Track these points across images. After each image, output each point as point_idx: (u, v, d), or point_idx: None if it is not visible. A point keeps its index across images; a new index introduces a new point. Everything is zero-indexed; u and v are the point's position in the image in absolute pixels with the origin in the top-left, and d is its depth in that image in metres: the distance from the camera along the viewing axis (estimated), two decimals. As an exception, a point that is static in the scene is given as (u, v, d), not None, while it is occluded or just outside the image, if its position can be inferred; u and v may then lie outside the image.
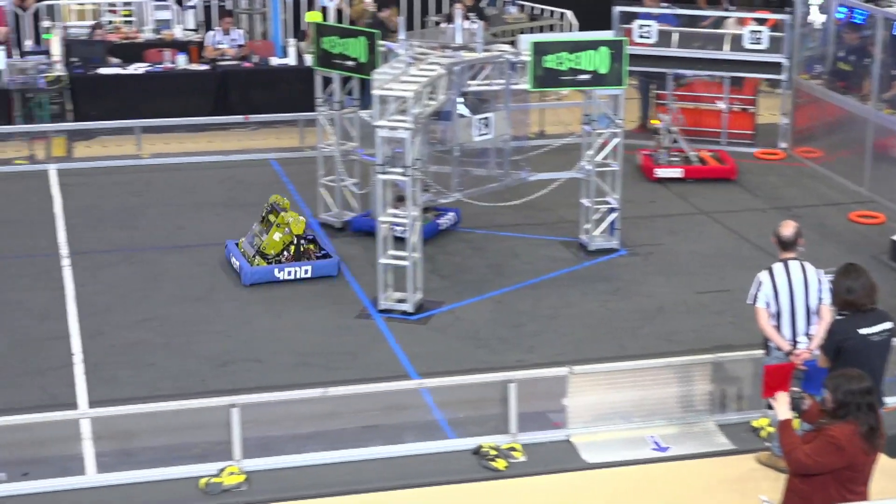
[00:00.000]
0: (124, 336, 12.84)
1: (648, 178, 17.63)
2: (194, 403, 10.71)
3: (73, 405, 11.43)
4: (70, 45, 20.48)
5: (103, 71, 20.07)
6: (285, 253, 14.19)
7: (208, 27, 22.15)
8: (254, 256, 14.17)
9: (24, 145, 19.07)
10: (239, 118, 19.77)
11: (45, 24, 21.70)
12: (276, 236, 14.12)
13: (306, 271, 14.18)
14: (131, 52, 20.95)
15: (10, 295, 13.76)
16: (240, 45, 20.96)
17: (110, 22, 22.27)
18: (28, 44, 21.48)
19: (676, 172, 17.60)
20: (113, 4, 23.05)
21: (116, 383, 11.88)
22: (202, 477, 10.22)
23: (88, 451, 10.58)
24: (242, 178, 17.85)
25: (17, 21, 21.92)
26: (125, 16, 22.69)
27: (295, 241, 14.23)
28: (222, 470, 10.28)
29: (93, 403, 11.42)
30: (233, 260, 14.37)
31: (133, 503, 9.99)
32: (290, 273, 14.08)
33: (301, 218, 14.33)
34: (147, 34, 21.93)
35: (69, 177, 17.85)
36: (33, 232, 15.54)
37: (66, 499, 10.04)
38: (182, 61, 20.38)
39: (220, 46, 20.88)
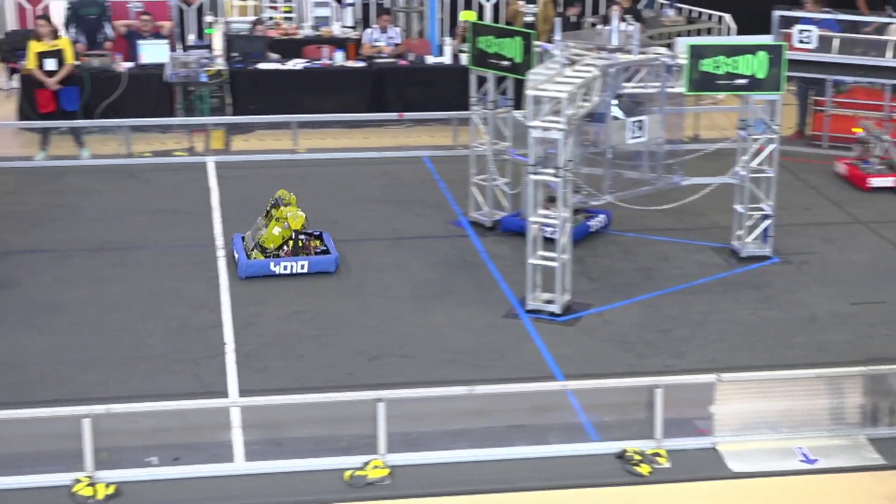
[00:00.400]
0: (276, 327, 13.03)
1: (860, 188, 17.34)
2: (342, 396, 10.81)
3: (224, 393, 11.63)
4: (231, 40, 20.85)
5: (263, 66, 20.40)
6: (284, 247, 14.30)
7: (366, 25, 22.39)
8: (252, 250, 14.33)
9: (184, 137, 19.47)
10: (393, 115, 19.92)
11: (208, 19, 22.15)
12: (276, 231, 14.28)
13: (303, 266, 14.25)
14: (290, 47, 21.26)
15: (166, 284, 14.04)
16: (396, 44, 21.13)
17: (271, 18, 22.63)
18: (191, 38, 21.96)
19: (890, 182, 17.27)
20: (274, 1, 23.42)
21: (267, 373, 12.06)
22: (347, 469, 10.32)
23: (237, 439, 10.75)
24: (395, 174, 17.99)
25: (182, 16, 22.41)
26: (286, 12, 23.04)
27: (293, 236, 14.32)
28: (367, 463, 10.36)
29: (243, 392, 11.61)
30: (234, 252, 14.52)
31: (279, 492, 10.12)
32: (286, 268, 14.19)
33: (300, 213, 14.44)
34: (306, 31, 22.25)
35: (226, 169, 18.18)
36: (190, 223, 15.86)
37: (214, 485, 10.20)
38: (339, 58, 20.62)
39: (378, 44, 21.07)
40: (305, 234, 14.49)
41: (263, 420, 10.94)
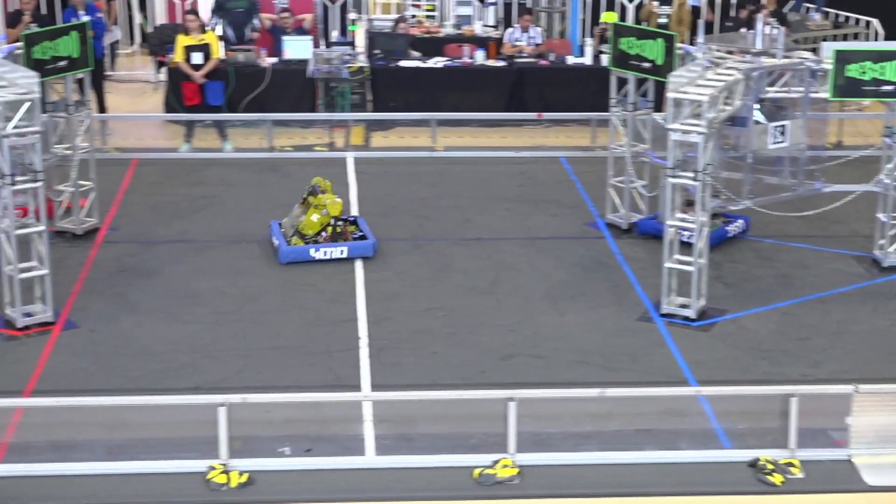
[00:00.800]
0: (409, 323, 13.09)
1: None
2: (473, 394, 10.84)
3: (356, 387, 11.72)
4: (374, 38, 20.99)
5: (404, 64, 20.50)
6: (323, 234, 14.60)
7: (507, 24, 22.36)
8: (292, 236, 14.61)
9: (325, 133, 19.65)
10: (532, 115, 19.88)
11: (352, 16, 22.32)
12: (314, 217, 14.58)
13: (342, 252, 14.56)
14: (432, 46, 21.32)
15: (304, 277, 14.19)
16: (537, 43, 21.07)
17: (413, 16, 22.71)
18: (334, 35, 22.14)
19: None
20: (417, -1, 23.53)
21: (399, 369, 12.12)
22: (476, 468, 10.33)
23: (369, 432, 10.84)
24: (533, 174, 17.95)
25: (326, 12, 22.62)
26: (428, 10, 23.10)
27: (332, 223, 14.61)
28: (496, 462, 10.36)
29: (375, 387, 11.68)
30: (273, 239, 14.69)
31: (409, 487, 10.17)
32: (325, 253, 14.50)
33: (338, 200, 14.74)
34: (448, 29, 22.29)
35: (365, 165, 18.31)
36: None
37: (344, 477, 10.29)
38: (480, 57, 20.64)
39: (518, 44, 21.04)
40: (342, 220, 14.81)
41: (395, 415, 11.01)
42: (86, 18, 17.59)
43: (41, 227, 12.68)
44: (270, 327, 12.94)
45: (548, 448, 10.60)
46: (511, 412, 10.37)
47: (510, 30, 21.48)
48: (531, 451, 10.48)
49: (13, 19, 19.31)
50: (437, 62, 20.61)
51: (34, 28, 16.77)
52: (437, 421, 10.88)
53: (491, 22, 22.51)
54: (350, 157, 18.66)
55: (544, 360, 12.35)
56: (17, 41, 14.69)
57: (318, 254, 14.48)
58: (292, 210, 15.03)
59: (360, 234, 14.91)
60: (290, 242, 14.57)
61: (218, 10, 21.03)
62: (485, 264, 14.63)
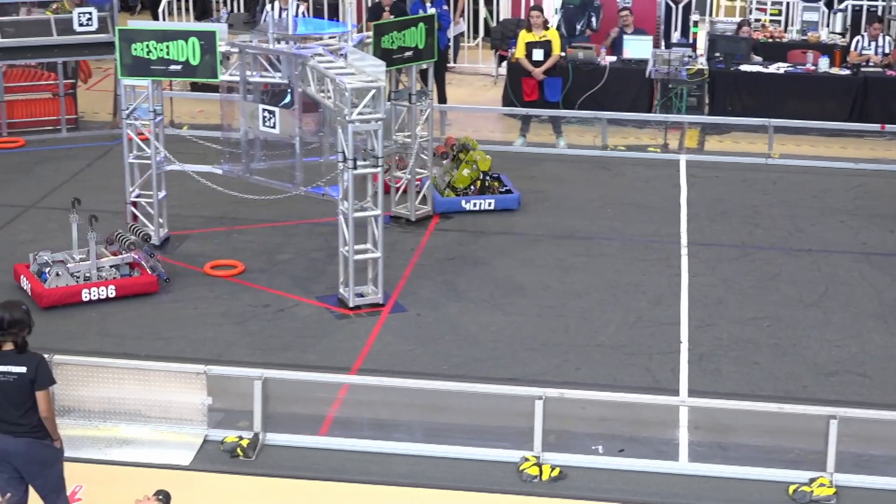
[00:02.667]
0: (733, 331, 12.84)
1: None
2: (794, 409, 10.52)
3: (674, 391, 11.58)
4: (715, 40, 20.69)
5: (744, 68, 20.12)
6: (472, 187, 15.88)
7: (855, 32, 21.62)
8: (444, 189, 15.86)
9: (659, 134, 19.50)
10: (875, 126, 19.17)
11: (694, 18, 22.06)
12: (465, 172, 15.83)
13: (490, 204, 15.85)
14: (774, 51, 20.87)
15: (627, 276, 14.12)
16: (885, 53, 20.30)
17: (757, 20, 22.28)
18: (675, 36, 21.94)
19: None
20: (762, 3, 23.05)
21: (719, 376, 11.91)
22: (792, 484, 10.05)
23: (683, 438, 10.69)
24: (871, 187, 17.31)
25: (668, 13, 22.43)
26: (773, 14, 22.61)
27: (481, 177, 15.88)
28: (813, 480, 10.05)
29: (693, 392, 11.51)
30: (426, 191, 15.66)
31: (721, 497, 9.98)
32: (475, 205, 15.79)
33: (487, 156, 15.92)
34: (792, 35, 21.77)
35: (697, 168, 18.06)
36: (657, 218, 15.86)
37: (656, 481, 10.19)
38: (824, 64, 20.04)
39: (866, 52, 20.33)
40: (488, 175, 15.99)
41: (711, 423, 10.84)
42: (433, 11, 17.99)
43: (377, 212, 13.05)
44: (592, 324, 12.94)
45: (869, 470, 10.20)
46: (832, 431, 10.03)
47: (858, 38, 20.75)
48: (851, 472, 10.12)
49: (375, 12, 19.93)
50: (779, 67, 20.13)
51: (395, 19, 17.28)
52: (756, 433, 10.62)
53: (838, 29, 21.85)
54: (683, 159, 18.44)
55: (871, 379, 11.90)
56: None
57: (468, 205, 15.75)
58: (442, 164, 16.05)
59: (506, 188, 16.10)
60: (443, 194, 15.79)
61: (560, 7, 21.21)
62: (814, 276, 14.20)
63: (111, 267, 13.47)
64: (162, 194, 14.63)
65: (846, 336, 12.76)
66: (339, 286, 13.30)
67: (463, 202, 15.77)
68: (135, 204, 14.64)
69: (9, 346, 8.53)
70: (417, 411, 10.97)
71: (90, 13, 18.67)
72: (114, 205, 15.50)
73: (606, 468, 10.34)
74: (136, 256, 13.51)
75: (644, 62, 19.96)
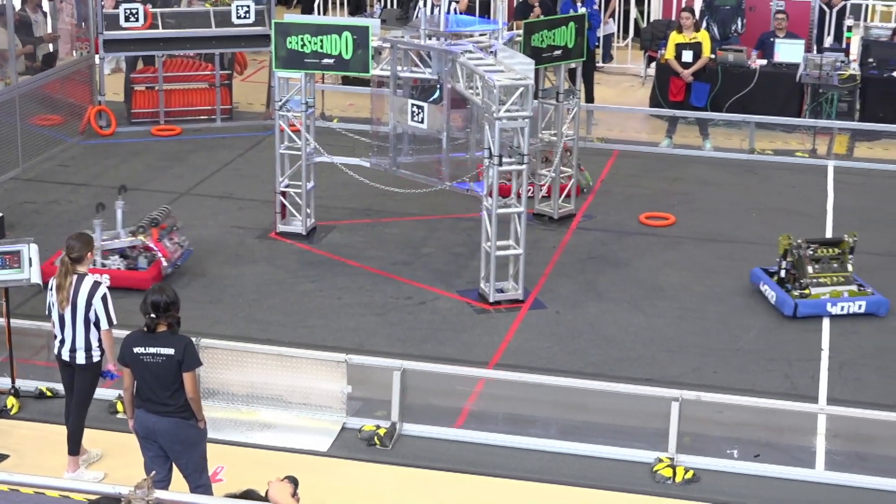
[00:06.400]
0: (876, 339, 12.59)
1: None
2: (934, 420, 10.30)
3: (813, 398, 11.40)
4: (868, 46, 20.31)
5: (897, 74, 19.73)
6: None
7: None
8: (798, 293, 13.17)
9: (808, 139, 19.19)
10: None
11: (848, 22, 21.65)
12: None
13: (860, 307, 13.09)
14: (929, 57, 20.41)
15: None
16: None
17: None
18: (828, 41, 21.56)
19: None
20: (919, 8, 22.54)
21: (860, 385, 11.69)
22: (930, 497, 9.86)
23: (821, 446, 10.53)
24: None
25: (821, 17, 22.04)
26: (929, 21, 22.10)
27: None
28: (953, 495, 9.83)
29: (832, 400, 11.32)
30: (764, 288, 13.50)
31: (857, 507, 9.84)
32: (842, 308, 13.04)
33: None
34: (949, 41, 21.23)
35: (845, 175, 17.75)
36: (804, 224, 15.56)
37: (791, 487, 10.05)
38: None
39: None
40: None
41: (849, 431, 10.64)
42: (583, 10, 17.95)
43: (521, 209, 13.07)
44: (733, 329, 12.80)
45: None
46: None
47: None
48: None
49: (523, 11, 19.95)
50: (936, 74, 19.68)
51: (545, 18, 17.29)
52: (894, 444, 10.41)
53: None
54: (831, 165, 18.13)
55: None
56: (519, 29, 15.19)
57: (834, 308, 13.08)
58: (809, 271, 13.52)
59: (869, 288, 13.36)
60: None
61: (707, 9, 21.01)
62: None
63: (119, 256, 13.39)
64: (310, 185, 14.85)
65: None
66: (479, 281, 13.36)
67: (829, 305, 13.08)
68: (284, 194, 14.88)
69: (163, 328, 8.76)
70: (553, 408, 10.97)
71: (248, 6, 19.02)
72: (264, 194, 15.79)
73: (741, 473, 10.23)
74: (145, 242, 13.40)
75: (795, 66, 19.65)
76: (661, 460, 10.25)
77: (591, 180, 16.73)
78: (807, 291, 13.12)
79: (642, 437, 10.53)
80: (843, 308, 13.10)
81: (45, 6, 19.04)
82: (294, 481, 7.09)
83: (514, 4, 21.59)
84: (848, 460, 10.38)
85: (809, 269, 13.26)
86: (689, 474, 10.14)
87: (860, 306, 13.13)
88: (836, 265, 13.41)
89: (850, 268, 13.39)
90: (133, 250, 13.45)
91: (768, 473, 10.20)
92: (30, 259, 10.85)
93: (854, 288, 13.22)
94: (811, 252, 13.38)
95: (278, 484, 6.99)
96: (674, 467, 10.17)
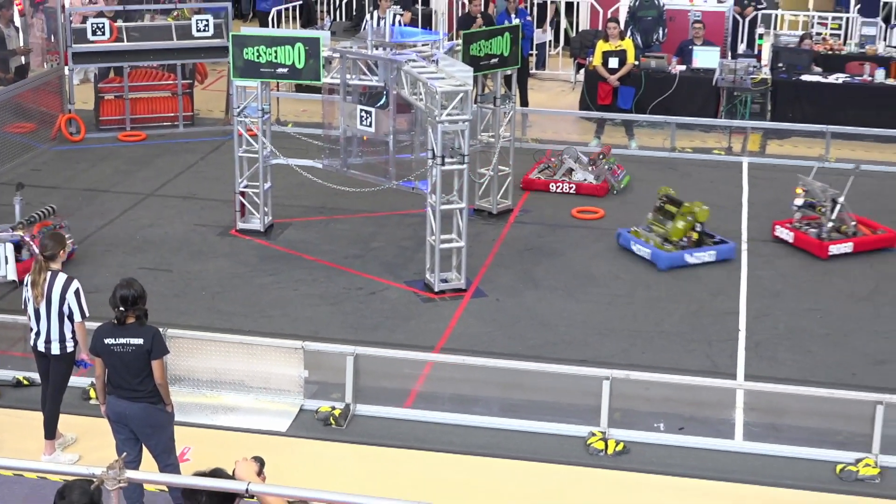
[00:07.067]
0: (788, 321, 12.72)
1: None
2: (842, 394, 10.40)
3: (731, 375, 11.50)
4: (778, 52, 20.48)
5: (805, 78, 19.89)
6: (685, 239, 14.12)
7: (911, 45, 21.28)
8: (662, 243, 14.08)
9: (724, 137, 19.34)
10: (929, 134, 18.89)
11: (760, 31, 21.83)
12: (680, 224, 14.12)
13: (711, 256, 14.11)
14: (833, 62, 20.61)
15: (692, 269, 13.99)
16: (939, 65, 19.96)
17: (819, 34, 21.99)
18: (742, 47, 21.73)
19: None
20: (824, 17, 22.76)
21: (774, 363, 11.80)
22: (839, 463, 9.96)
23: (739, 418, 10.63)
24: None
25: (736, 26, 22.22)
26: (833, 29, 22.31)
27: (698, 229, 14.18)
28: (859, 461, 9.94)
29: (749, 377, 11.42)
30: (635, 247, 14.22)
31: (773, 475, 9.90)
32: (698, 258, 14.04)
33: (705, 207, 14.21)
34: (851, 48, 21.46)
35: (759, 170, 17.90)
36: (721, 216, 15.66)
37: (712, 457, 10.14)
38: (880, 75, 19.76)
39: (920, 65, 20.00)
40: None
41: (766, 405, 10.75)
42: (517, 21, 17.97)
43: (462, 205, 13.08)
44: (658, 313, 12.88)
45: (912, 453, 10.08)
46: (878, 415, 9.92)
47: (912, 51, 20.42)
48: (895, 454, 9.99)
49: (465, 22, 19.92)
50: (837, 78, 19.87)
51: (483, 28, 17.28)
52: (806, 415, 10.53)
53: (894, 43, 21.47)
54: (745, 162, 18.28)
55: (917, 369, 11.75)
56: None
57: (692, 258, 14.06)
58: (646, 218, 14.63)
59: (719, 238, 14.40)
60: (662, 249, 14.09)
61: (631, 19, 21.12)
62: (866, 273, 14.02)
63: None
64: (267, 185, 14.79)
65: (894, 328, 12.58)
66: (425, 272, 13.37)
67: (686, 256, 14.07)
68: (243, 194, 14.82)
69: (131, 320, 8.71)
70: (495, 388, 11.00)
71: (207, 20, 18.91)
72: (224, 194, 15.72)
73: (667, 444, 10.31)
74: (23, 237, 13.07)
75: (712, 71, 19.78)
76: (594, 434, 10.30)
77: (625, 182, 16.92)
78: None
79: (576, 413, 10.58)
80: (698, 258, 14.05)
81: (17, 21, 18.82)
82: (260, 461, 7.05)
83: (455, 16, 21.58)
84: (764, 431, 10.47)
85: (650, 215, 14.42)
86: (620, 447, 10.20)
87: (711, 255, 14.10)
88: (670, 221, 14.25)
89: (680, 225, 14.13)
90: (24, 242, 13.11)
91: (692, 444, 10.29)
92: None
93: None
94: (659, 204, 14.44)
95: (244, 463, 6.95)
96: (606, 440, 10.23)
